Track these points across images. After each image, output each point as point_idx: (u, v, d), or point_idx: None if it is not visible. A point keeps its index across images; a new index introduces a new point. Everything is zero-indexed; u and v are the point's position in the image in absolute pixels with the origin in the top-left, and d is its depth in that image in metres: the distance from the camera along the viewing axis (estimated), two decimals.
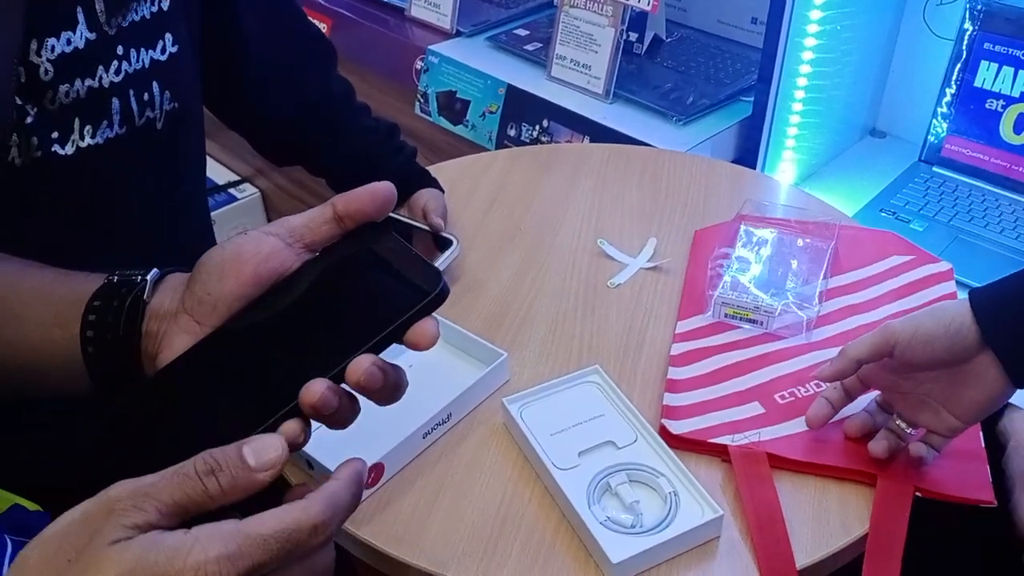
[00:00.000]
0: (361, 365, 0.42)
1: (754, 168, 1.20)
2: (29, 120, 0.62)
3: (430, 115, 1.50)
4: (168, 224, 0.78)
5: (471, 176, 1.12)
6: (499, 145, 1.39)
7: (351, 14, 1.65)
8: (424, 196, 1.00)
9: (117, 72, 0.64)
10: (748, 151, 1.23)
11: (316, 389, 0.41)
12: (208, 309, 0.47)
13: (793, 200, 1.05)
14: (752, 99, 1.23)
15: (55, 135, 0.63)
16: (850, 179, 1.25)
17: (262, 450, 0.39)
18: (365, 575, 0.75)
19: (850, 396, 0.73)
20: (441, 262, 0.91)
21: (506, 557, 0.67)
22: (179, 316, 0.48)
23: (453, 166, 1.15)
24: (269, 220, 2.27)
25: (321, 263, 0.48)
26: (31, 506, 0.54)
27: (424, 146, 1.09)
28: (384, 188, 0.47)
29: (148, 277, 0.50)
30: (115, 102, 0.65)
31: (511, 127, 1.37)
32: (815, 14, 1.16)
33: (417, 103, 1.51)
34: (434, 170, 1.06)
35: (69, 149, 0.64)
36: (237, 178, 2.21)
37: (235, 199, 2.18)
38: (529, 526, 0.69)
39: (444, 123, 1.47)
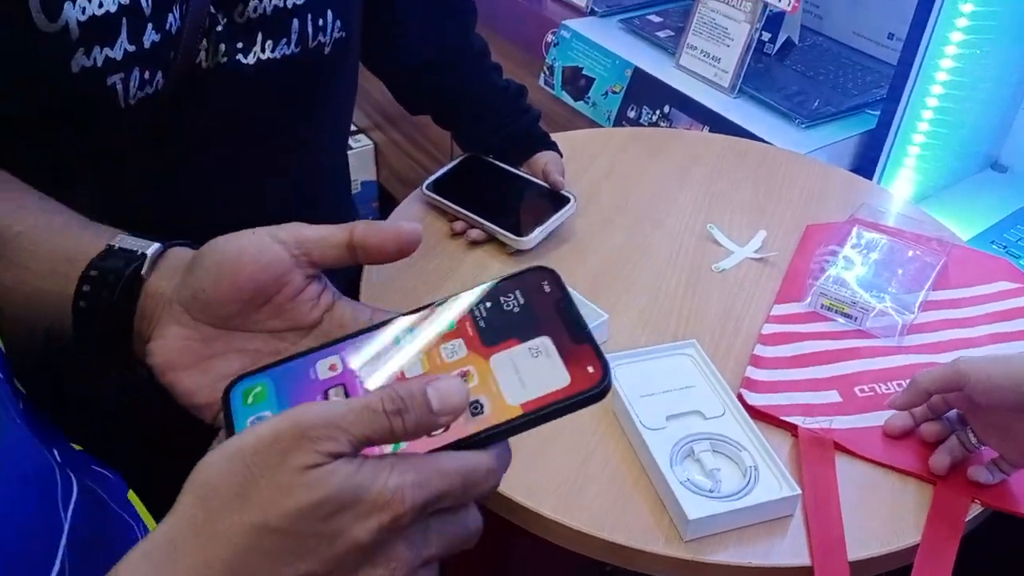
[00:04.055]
0: None
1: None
2: (219, 28, 0.67)
3: (553, 88, 1.53)
4: (315, 150, 0.84)
5: (590, 148, 1.15)
6: (617, 125, 1.41)
7: None
8: (545, 157, 1.04)
9: None
10: (865, 164, 1.24)
11: None
12: (200, 307, 0.45)
13: (910, 214, 1.06)
14: (877, 113, 1.23)
15: (239, 45, 0.69)
16: (965, 207, 1.24)
17: (446, 394, 0.36)
18: None
19: (934, 413, 0.74)
20: (557, 217, 0.96)
21: (586, 500, 0.70)
22: (173, 304, 0.46)
23: (572, 137, 1.18)
24: (379, 172, 2.34)
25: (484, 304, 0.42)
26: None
27: (542, 118, 1.13)
28: (409, 230, 0.44)
29: (148, 252, 0.48)
30: (295, 22, 0.70)
31: (632, 109, 1.40)
32: (956, 36, 1.15)
33: (542, 75, 1.55)
34: (555, 138, 1.10)
35: (251, 59, 0.69)
36: (354, 128, 2.29)
37: (350, 148, 2.26)
38: (610, 476, 0.72)
39: (566, 97, 1.51)
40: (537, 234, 0.95)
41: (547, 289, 0.41)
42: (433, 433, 0.37)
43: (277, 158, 0.80)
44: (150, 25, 0.64)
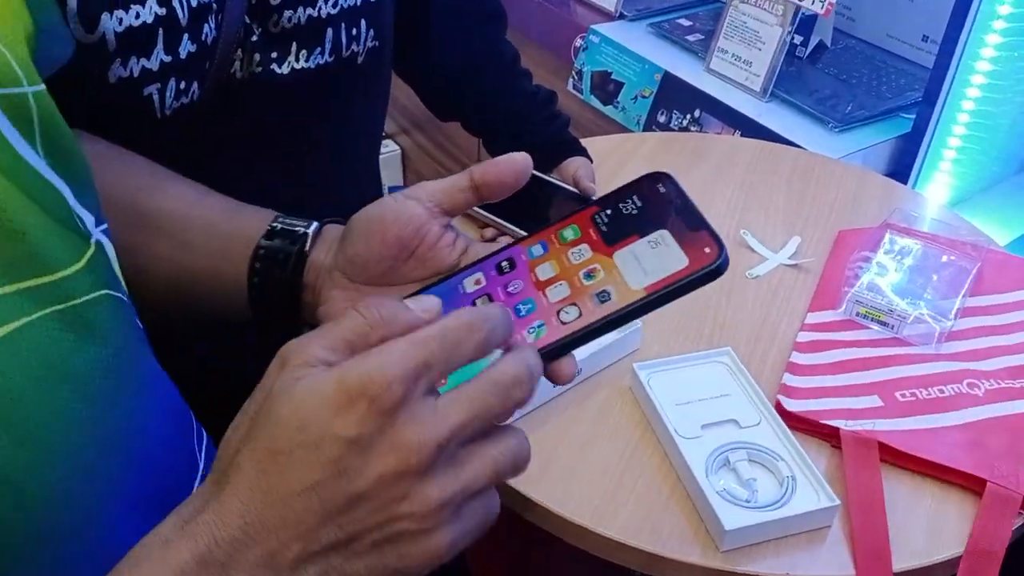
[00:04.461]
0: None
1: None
2: (254, 38, 0.68)
3: (582, 92, 1.53)
4: (348, 159, 0.84)
5: (620, 154, 1.15)
6: (647, 130, 1.41)
7: None
8: (575, 163, 1.03)
9: (334, 5, 0.70)
10: (900, 168, 1.22)
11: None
12: (358, 269, 0.50)
13: (944, 218, 1.04)
14: (912, 117, 1.22)
15: (274, 55, 0.69)
16: (1003, 211, 1.22)
17: (421, 299, 0.39)
18: None
19: None
20: None
21: (621, 509, 0.70)
22: (332, 272, 0.52)
23: (603, 142, 1.18)
24: (406, 177, 2.34)
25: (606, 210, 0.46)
26: None
27: (571, 123, 1.13)
28: (521, 158, 0.48)
29: (310, 231, 0.54)
30: (329, 32, 0.71)
31: (661, 113, 1.39)
32: (992, 38, 1.14)
33: (571, 79, 1.55)
34: (584, 143, 1.10)
35: (285, 69, 0.70)
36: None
37: None
38: (645, 485, 0.72)
39: (595, 102, 1.50)
40: None
41: (662, 189, 0.45)
42: (564, 320, 0.42)
43: (311, 166, 0.81)
44: (186, 36, 0.64)
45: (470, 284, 0.46)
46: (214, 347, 0.74)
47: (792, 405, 0.76)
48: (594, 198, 0.98)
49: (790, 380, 0.79)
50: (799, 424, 0.75)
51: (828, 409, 0.76)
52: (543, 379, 0.41)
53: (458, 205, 0.50)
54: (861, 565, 0.65)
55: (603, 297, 0.42)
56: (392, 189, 2.39)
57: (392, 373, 0.34)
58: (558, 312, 0.43)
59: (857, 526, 0.67)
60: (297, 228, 0.54)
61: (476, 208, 1.00)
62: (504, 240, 0.60)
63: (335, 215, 0.84)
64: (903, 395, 0.78)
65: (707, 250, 0.41)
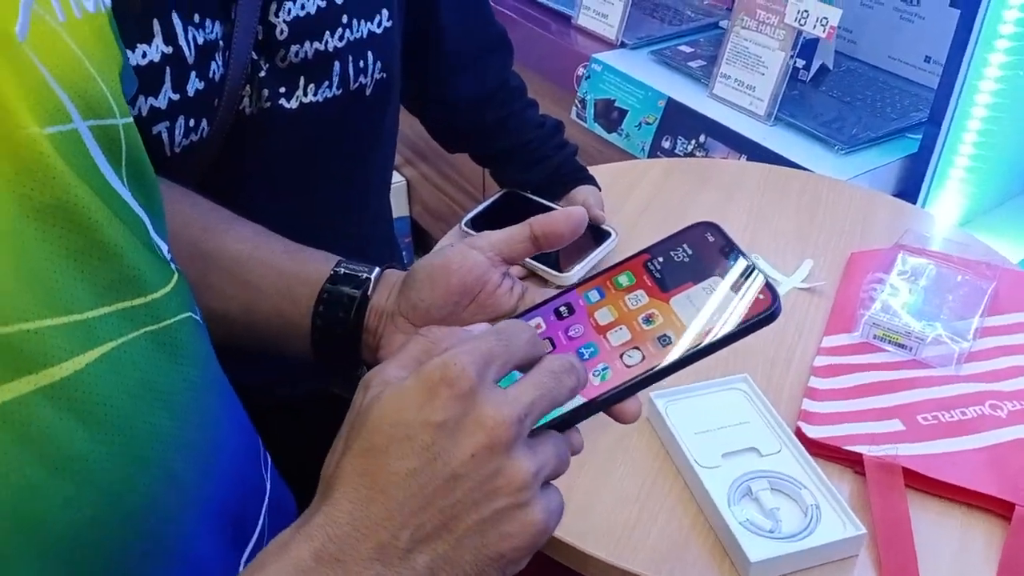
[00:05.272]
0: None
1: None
2: (262, 74, 0.68)
3: (585, 121, 1.53)
4: (359, 191, 0.84)
5: (626, 181, 1.14)
6: (651, 156, 1.41)
7: (520, 17, 1.70)
8: (583, 191, 1.03)
9: (341, 39, 0.70)
10: (908, 189, 1.22)
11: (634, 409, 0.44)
12: (421, 313, 0.53)
13: (957, 238, 1.03)
14: (918, 137, 1.21)
15: (282, 90, 0.69)
16: (1014, 228, 1.22)
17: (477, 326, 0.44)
18: None
19: None
20: (599, 252, 0.95)
21: (642, 542, 0.68)
22: (396, 317, 0.55)
23: (608, 170, 1.17)
24: (411, 207, 2.35)
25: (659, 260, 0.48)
26: None
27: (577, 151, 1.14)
28: (578, 212, 0.52)
29: (372, 276, 0.56)
30: (336, 65, 0.71)
31: (666, 139, 1.39)
32: (996, 57, 1.14)
33: (574, 108, 1.55)
34: (591, 171, 1.09)
35: (293, 103, 0.69)
36: None
37: None
38: (666, 517, 0.71)
39: (598, 130, 1.51)
40: (578, 269, 0.94)
41: (710, 238, 0.48)
42: (628, 364, 0.43)
43: (322, 198, 0.80)
44: (193, 73, 0.64)
45: None
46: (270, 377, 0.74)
47: (813, 432, 0.75)
48: (609, 229, 0.99)
49: (809, 406, 0.78)
50: (821, 451, 0.74)
51: (850, 435, 0.75)
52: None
53: (517, 254, 0.53)
54: None
55: (664, 341, 0.44)
56: (398, 220, 2.39)
57: (464, 360, 0.37)
58: (621, 355, 0.44)
59: (885, 555, 0.66)
60: (360, 273, 0.57)
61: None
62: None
63: (348, 246, 0.84)
64: (925, 418, 0.77)
65: (761, 297, 0.44)
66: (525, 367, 0.40)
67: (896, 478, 0.71)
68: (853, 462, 0.74)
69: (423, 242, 2.38)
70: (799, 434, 0.75)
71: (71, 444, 0.35)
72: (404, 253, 1.69)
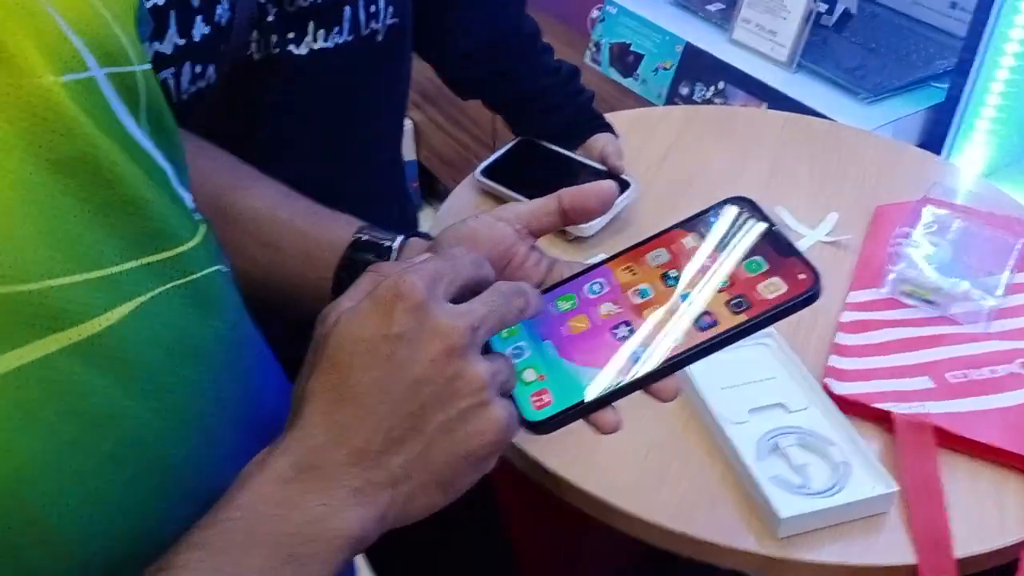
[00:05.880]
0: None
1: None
2: (269, 19, 0.65)
3: (600, 65, 1.50)
4: (372, 138, 0.82)
5: (644, 129, 1.12)
6: (668, 102, 1.38)
7: None
8: (602, 139, 1.01)
9: None
10: (932, 139, 1.20)
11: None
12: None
13: (984, 191, 1.02)
14: (943, 86, 1.19)
15: (291, 35, 0.66)
16: None
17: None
18: (508, 493, 0.78)
19: None
20: (619, 202, 0.93)
21: (671, 496, 0.68)
22: None
23: (625, 117, 1.15)
24: (419, 151, 2.31)
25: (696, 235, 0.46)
26: None
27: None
28: (608, 186, 0.50)
29: (395, 244, 0.55)
30: (347, 10, 0.68)
31: (684, 86, 1.36)
32: None
33: (588, 52, 1.52)
34: (607, 118, 1.07)
35: (303, 49, 0.67)
36: None
37: None
38: (694, 473, 0.70)
39: (614, 75, 1.47)
40: (598, 220, 0.92)
41: (745, 214, 0.46)
42: (665, 344, 0.42)
43: (334, 147, 0.78)
44: (199, 17, 0.62)
45: (563, 305, 0.46)
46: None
47: (840, 388, 0.74)
48: (629, 179, 0.97)
49: (837, 362, 0.77)
50: (849, 408, 0.73)
51: (878, 392, 0.74)
52: None
53: (545, 227, 0.51)
54: (923, 553, 0.63)
55: (701, 322, 0.42)
56: (405, 164, 2.36)
57: (412, 277, 0.38)
58: (657, 335, 0.42)
59: (916, 513, 0.65)
60: (383, 242, 0.56)
61: (501, 188, 0.98)
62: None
63: (361, 196, 0.82)
64: (954, 376, 0.76)
65: (801, 276, 0.42)
66: (475, 290, 0.42)
67: (927, 436, 0.70)
68: (881, 419, 0.73)
69: (431, 187, 2.35)
70: (827, 391, 0.74)
71: (107, 401, 0.35)
72: (414, 199, 1.67)
